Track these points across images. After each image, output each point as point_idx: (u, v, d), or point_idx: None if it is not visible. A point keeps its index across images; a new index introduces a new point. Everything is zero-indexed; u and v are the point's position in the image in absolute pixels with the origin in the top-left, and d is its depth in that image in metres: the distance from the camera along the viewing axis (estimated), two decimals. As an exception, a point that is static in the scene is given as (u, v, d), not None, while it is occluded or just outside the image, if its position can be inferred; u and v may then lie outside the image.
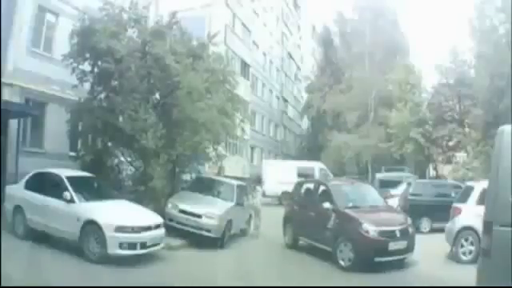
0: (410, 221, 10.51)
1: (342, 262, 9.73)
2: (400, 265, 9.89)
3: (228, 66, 16.39)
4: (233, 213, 12.42)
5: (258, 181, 16.08)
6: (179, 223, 11.65)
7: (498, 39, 25.76)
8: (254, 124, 36.50)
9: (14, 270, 7.05)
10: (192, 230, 11.55)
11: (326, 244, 10.36)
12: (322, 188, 11.65)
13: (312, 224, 11.12)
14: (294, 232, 11.94)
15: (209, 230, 11.48)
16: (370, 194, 11.81)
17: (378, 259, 9.44)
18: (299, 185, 13.16)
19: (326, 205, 10.56)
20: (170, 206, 11.98)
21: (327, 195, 10.98)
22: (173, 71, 12.71)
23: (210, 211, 11.62)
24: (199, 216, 11.57)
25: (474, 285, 5.71)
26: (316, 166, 27.49)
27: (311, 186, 12.44)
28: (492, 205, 5.49)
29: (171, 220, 11.59)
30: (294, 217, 12.20)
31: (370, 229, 9.54)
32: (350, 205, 10.57)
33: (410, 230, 10.19)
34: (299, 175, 23.00)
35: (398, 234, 9.73)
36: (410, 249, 9.93)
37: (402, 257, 9.89)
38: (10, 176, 11.05)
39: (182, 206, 11.82)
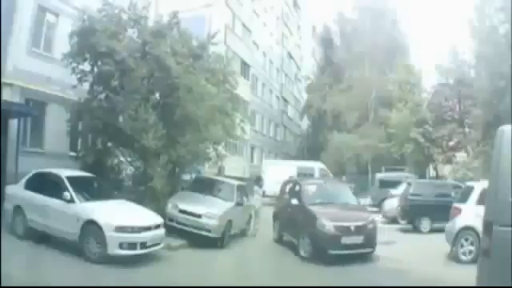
0: (372, 219, 11.00)
1: (303, 254, 10.56)
2: (401, 264, 9.93)
3: (228, 66, 16.40)
4: (233, 213, 12.42)
5: (258, 181, 16.06)
6: (179, 223, 11.65)
7: (497, 39, 25.75)
8: (254, 124, 36.48)
9: (14, 270, 7.06)
10: (192, 229, 11.54)
11: (295, 237, 11.23)
12: (297, 187, 12.45)
13: (288, 220, 12.06)
14: (279, 228, 12.79)
15: (209, 230, 11.48)
16: (342, 192, 12.51)
17: (331, 252, 10.07)
18: (284, 184, 13.88)
19: (294, 201, 11.60)
20: (170, 206, 11.97)
21: (298, 193, 11.87)
22: (173, 72, 12.71)
23: (210, 211, 11.62)
24: (199, 216, 11.57)
25: (474, 285, 5.70)
26: (316, 166, 27.50)
27: (292, 185, 13.19)
28: (492, 205, 5.48)
29: (171, 220, 11.59)
30: (279, 214, 13.07)
31: (325, 224, 10.26)
32: (318, 202, 11.32)
33: (370, 226, 10.63)
34: (299, 175, 23.00)
35: (352, 230, 10.28)
36: (368, 244, 10.44)
37: (358, 251, 10.36)
38: (10, 176, 11.03)
39: (182, 206, 11.82)
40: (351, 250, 10.26)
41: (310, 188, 12.27)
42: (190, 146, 13.11)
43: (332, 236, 10.14)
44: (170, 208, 11.91)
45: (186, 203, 11.96)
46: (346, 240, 10.16)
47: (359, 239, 10.28)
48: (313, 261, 10.13)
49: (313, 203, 11.22)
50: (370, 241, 10.49)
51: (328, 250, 10.08)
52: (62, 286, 6.96)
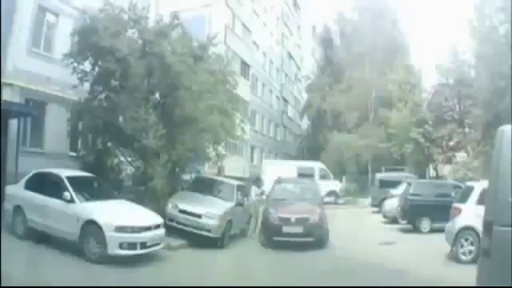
0: (320, 213, 12.31)
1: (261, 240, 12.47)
2: (401, 264, 9.94)
3: (228, 66, 16.39)
4: (233, 213, 12.44)
5: (257, 181, 16.13)
6: (179, 223, 11.65)
7: (497, 39, 25.75)
8: (254, 124, 36.46)
9: (14, 270, 7.06)
10: (192, 229, 11.55)
11: None
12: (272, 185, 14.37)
13: None
14: None
15: (209, 230, 11.49)
16: (308, 191, 13.86)
17: (275, 238, 11.85)
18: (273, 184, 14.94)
19: (264, 198, 13.31)
20: (170, 206, 11.97)
21: (270, 191, 14.04)
22: (174, 70, 12.72)
23: (209, 211, 11.63)
24: (199, 216, 11.57)
25: (474, 285, 5.70)
26: (316, 166, 27.53)
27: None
28: (492, 205, 5.47)
29: (171, 220, 11.59)
30: None
31: (272, 214, 12.10)
32: (279, 198, 12.96)
33: (313, 219, 11.98)
34: (299, 175, 23.00)
35: (292, 220, 11.83)
36: (309, 235, 11.78)
37: (298, 240, 11.69)
38: (10, 176, 11.02)
39: (182, 206, 11.82)
40: (291, 238, 11.72)
41: (279, 186, 13.95)
42: (189, 144, 13.11)
43: (275, 225, 11.90)
44: (170, 208, 11.91)
45: (186, 203, 11.96)
46: (286, 229, 11.74)
47: (299, 229, 11.75)
48: (267, 246, 12.01)
49: (274, 198, 13.01)
50: (312, 232, 11.81)
51: (272, 237, 11.92)
52: (62, 286, 6.96)
